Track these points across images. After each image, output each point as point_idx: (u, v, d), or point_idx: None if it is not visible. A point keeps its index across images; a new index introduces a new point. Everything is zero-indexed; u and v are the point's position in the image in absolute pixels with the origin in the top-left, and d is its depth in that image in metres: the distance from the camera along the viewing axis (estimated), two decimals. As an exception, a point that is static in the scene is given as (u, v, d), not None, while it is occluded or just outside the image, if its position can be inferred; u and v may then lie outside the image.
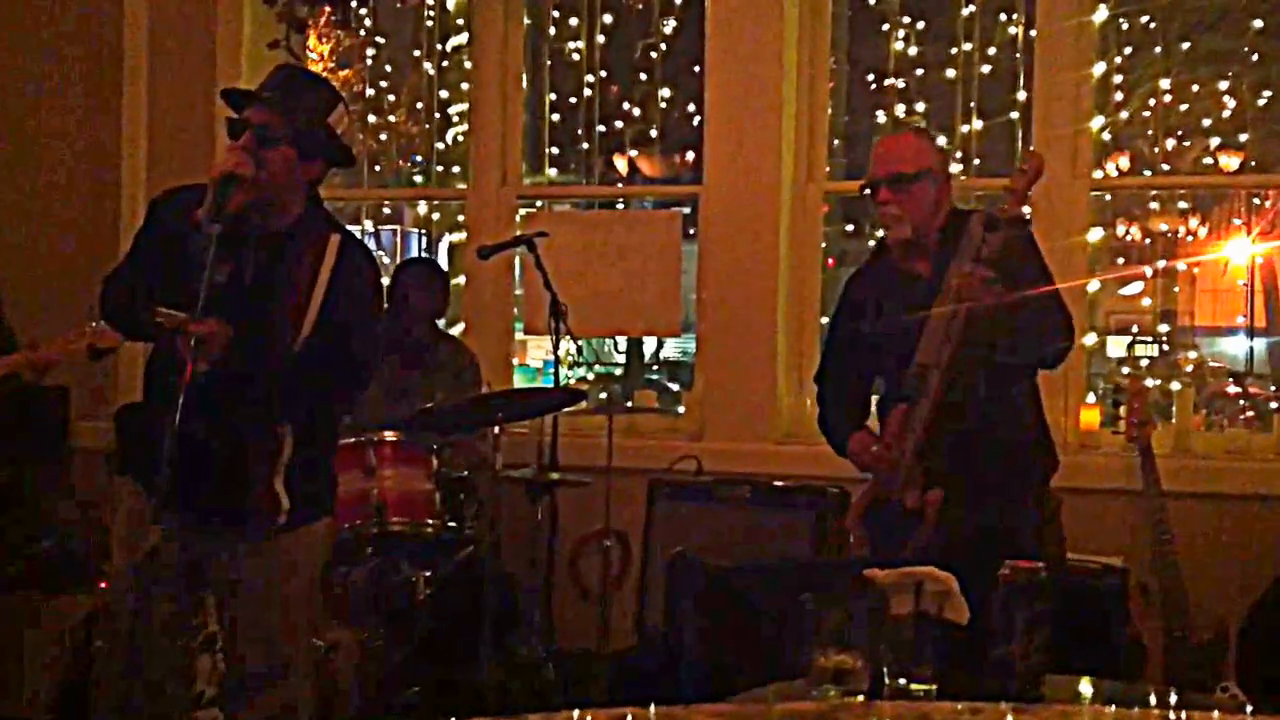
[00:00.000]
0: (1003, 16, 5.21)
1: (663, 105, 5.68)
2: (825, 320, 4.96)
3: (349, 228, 3.38)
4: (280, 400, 3.15)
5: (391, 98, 6.15)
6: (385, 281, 5.30)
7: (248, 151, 3.06)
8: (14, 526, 4.80)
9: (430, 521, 4.29)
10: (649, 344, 7.95)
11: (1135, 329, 5.99)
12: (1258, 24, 5.17)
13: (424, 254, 6.70)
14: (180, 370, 2.94)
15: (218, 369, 2.98)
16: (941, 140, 4.98)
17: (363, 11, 5.79)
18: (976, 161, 5.16)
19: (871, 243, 5.30)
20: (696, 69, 5.34)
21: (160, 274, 3.09)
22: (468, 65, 5.67)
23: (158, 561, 2.95)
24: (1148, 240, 5.57)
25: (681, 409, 5.47)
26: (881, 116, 5.36)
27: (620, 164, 5.99)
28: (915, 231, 3.58)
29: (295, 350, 3.12)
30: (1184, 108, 5.26)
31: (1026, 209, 3.59)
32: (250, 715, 3.27)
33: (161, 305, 2.96)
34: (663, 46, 5.66)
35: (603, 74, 5.65)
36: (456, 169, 5.86)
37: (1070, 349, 3.70)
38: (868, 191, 3.65)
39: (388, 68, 6.09)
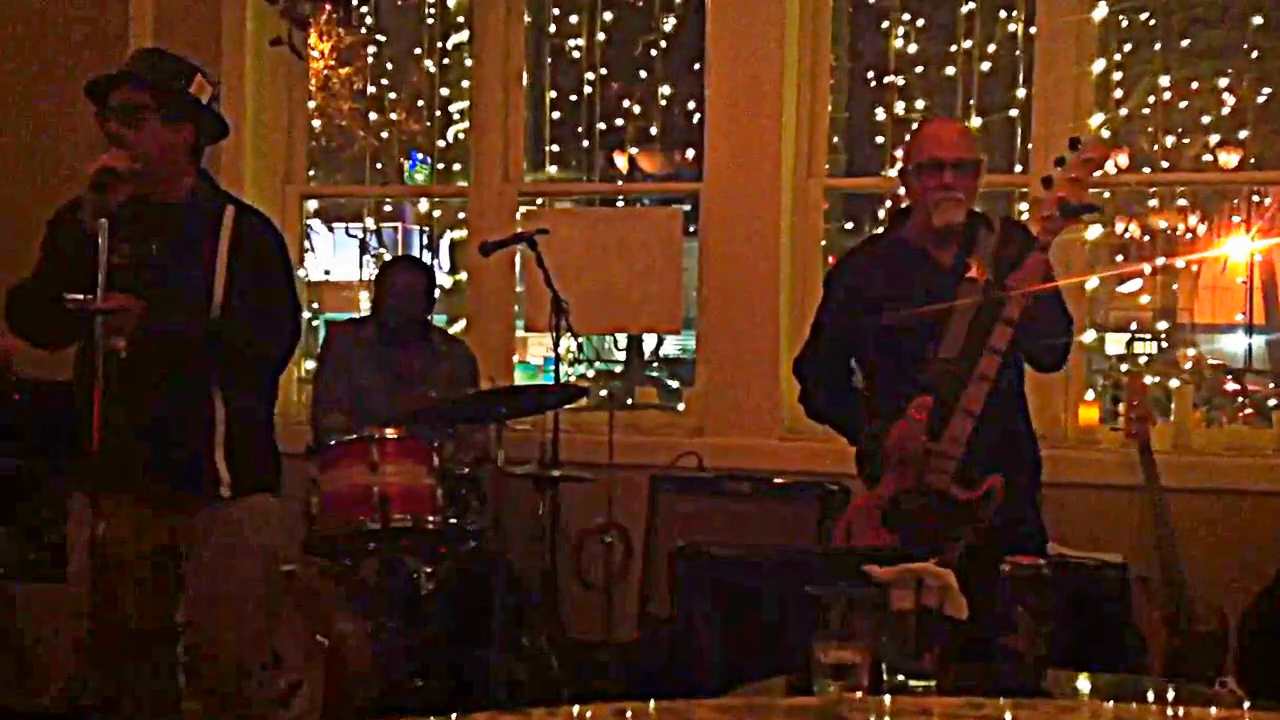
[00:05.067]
0: (1003, 13, 5.22)
1: (663, 102, 5.68)
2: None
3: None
4: (205, 368, 3.19)
5: (393, 95, 6.16)
6: (368, 276, 5.29)
7: (117, 138, 3.13)
8: (27, 518, 4.82)
9: (433, 517, 4.30)
10: (649, 341, 7.95)
11: (1134, 326, 5.99)
12: (1257, 20, 5.17)
13: (424, 251, 6.71)
14: (95, 354, 2.97)
15: (135, 345, 3.01)
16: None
17: (364, 9, 5.80)
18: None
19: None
20: (697, 66, 5.35)
21: (65, 277, 3.08)
22: (469, 63, 5.67)
23: (107, 551, 2.97)
24: (1147, 237, 5.57)
25: (681, 406, 5.48)
26: (881, 113, 5.37)
27: (621, 161, 6.00)
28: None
29: (211, 317, 3.18)
30: (1183, 104, 5.26)
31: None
32: (205, 699, 3.26)
33: (65, 294, 2.98)
34: (663, 44, 5.67)
35: (603, 71, 5.66)
36: (458, 166, 5.87)
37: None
38: (909, 170, 3.63)
39: (389, 65, 6.09)
